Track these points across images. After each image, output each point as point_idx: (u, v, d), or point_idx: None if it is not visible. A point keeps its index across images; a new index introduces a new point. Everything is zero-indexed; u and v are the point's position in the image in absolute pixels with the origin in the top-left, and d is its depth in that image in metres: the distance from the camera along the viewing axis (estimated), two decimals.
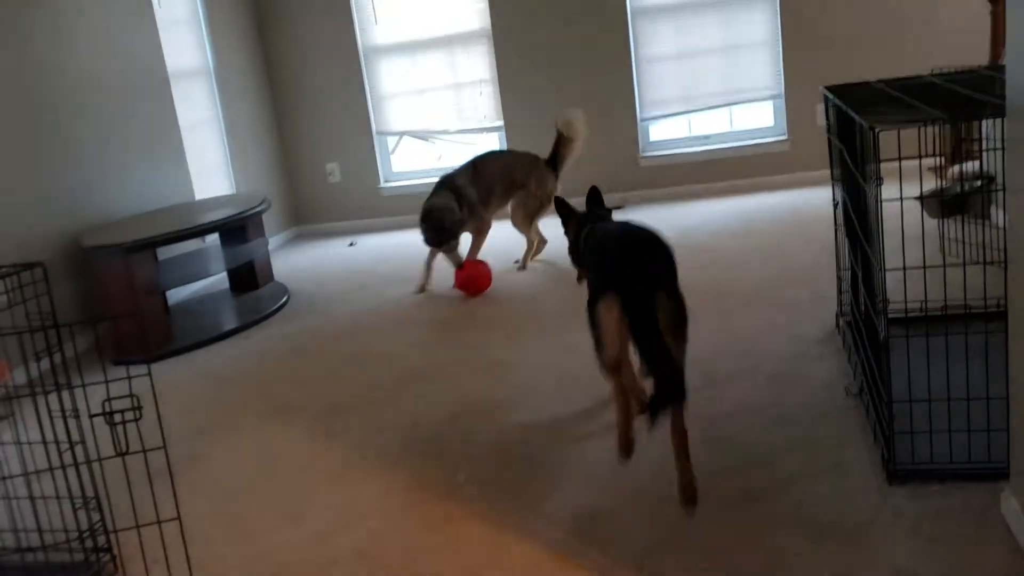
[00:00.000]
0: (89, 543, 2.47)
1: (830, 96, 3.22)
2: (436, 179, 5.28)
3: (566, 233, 3.23)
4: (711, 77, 6.61)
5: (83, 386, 2.02)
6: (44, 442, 2.34)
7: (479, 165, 5.31)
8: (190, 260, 5.23)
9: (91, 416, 1.93)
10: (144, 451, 1.89)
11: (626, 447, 2.72)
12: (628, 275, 2.55)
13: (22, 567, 2.37)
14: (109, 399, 1.85)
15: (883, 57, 6.13)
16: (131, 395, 1.86)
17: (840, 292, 3.56)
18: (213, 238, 5.64)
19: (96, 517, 2.44)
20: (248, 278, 5.51)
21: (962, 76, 3.26)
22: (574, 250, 3.22)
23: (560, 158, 5.38)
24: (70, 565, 2.43)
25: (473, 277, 4.92)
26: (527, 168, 5.32)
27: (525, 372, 3.65)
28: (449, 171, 5.31)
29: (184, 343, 4.64)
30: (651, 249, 2.67)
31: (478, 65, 6.85)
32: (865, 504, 2.35)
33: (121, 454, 1.89)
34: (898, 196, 2.41)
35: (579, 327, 4.10)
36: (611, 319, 2.48)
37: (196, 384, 4.06)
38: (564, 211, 3.28)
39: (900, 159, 2.30)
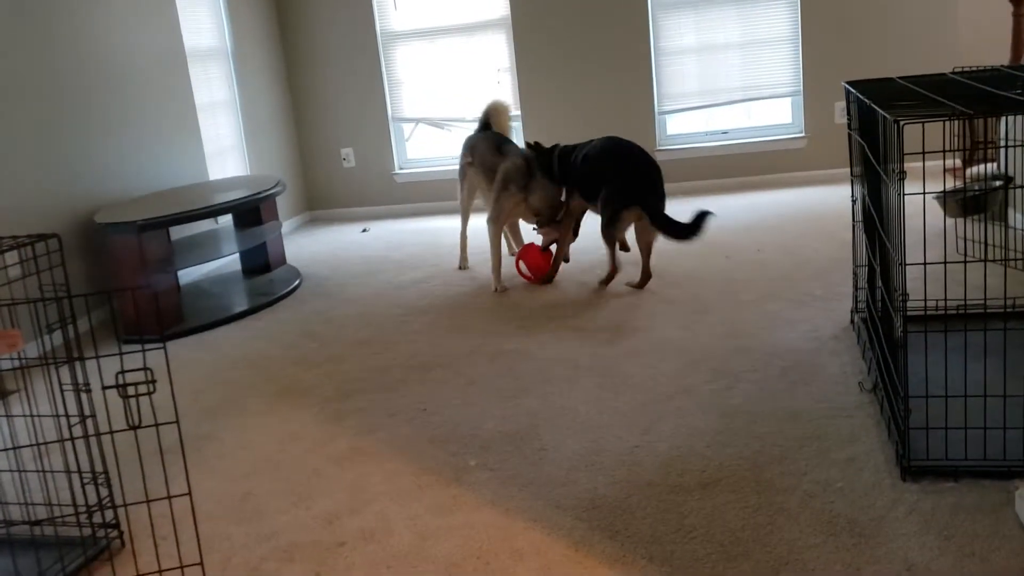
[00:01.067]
0: (97, 518, 2.47)
1: (852, 91, 3.19)
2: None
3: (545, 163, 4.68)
4: (730, 72, 6.58)
5: (97, 358, 2.01)
6: (55, 415, 2.35)
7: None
8: (203, 240, 5.23)
9: (104, 388, 1.93)
10: (156, 425, 1.89)
11: (612, 278, 4.56)
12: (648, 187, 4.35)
13: (31, 541, 2.37)
14: (123, 371, 1.85)
15: (903, 56, 6.10)
16: (145, 368, 1.85)
17: (856, 288, 3.54)
18: (226, 219, 5.64)
19: (105, 492, 2.44)
20: (260, 260, 5.51)
21: (984, 75, 3.23)
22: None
23: None
24: (78, 540, 2.43)
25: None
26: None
27: (536, 361, 3.63)
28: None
29: (195, 323, 4.64)
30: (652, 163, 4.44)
31: (497, 53, 6.83)
32: (879, 499, 2.33)
33: (134, 427, 1.88)
34: (920, 191, 2.40)
35: (590, 315, 4.11)
36: (630, 218, 4.42)
37: (206, 364, 4.06)
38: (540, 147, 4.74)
39: (924, 152, 2.27)
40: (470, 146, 5.17)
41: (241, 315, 4.77)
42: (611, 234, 4.46)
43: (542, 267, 4.82)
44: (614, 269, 4.54)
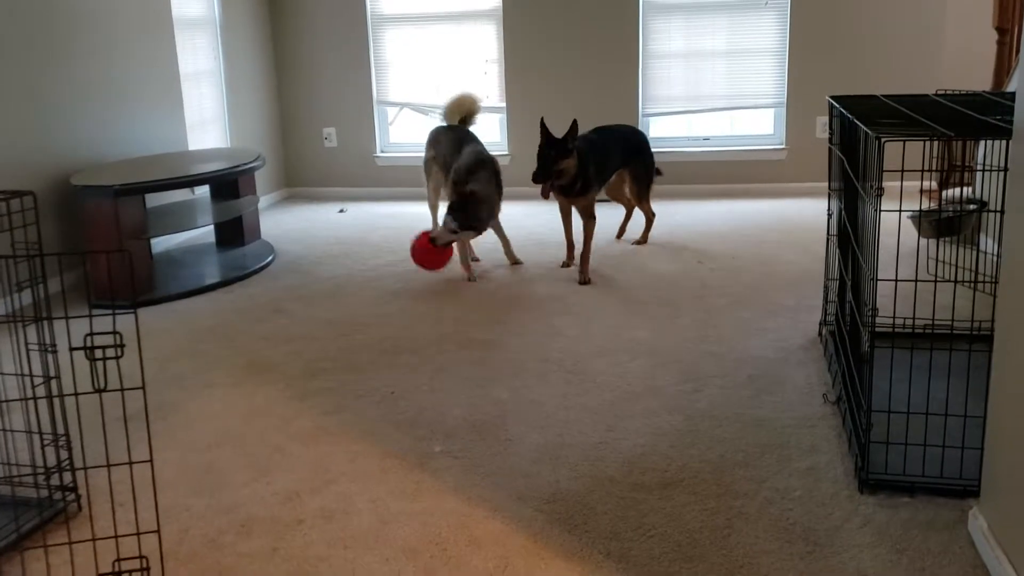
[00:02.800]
0: (55, 480, 2.45)
1: (836, 105, 3.22)
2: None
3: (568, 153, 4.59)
4: (716, 79, 6.62)
5: (66, 318, 1.99)
6: (19, 374, 2.32)
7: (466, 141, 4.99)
8: (178, 210, 5.18)
9: (71, 349, 1.91)
10: (122, 389, 1.87)
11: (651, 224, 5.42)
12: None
13: None
14: (92, 334, 1.83)
15: (888, 76, 6.16)
16: (114, 332, 1.84)
17: (826, 301, 3.58)
18: (203, 190, 5.59)
19: (64, 455, 2.42)
20: (235, 234, 5.47)
21: (966, 99, 3.28)
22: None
23: None
24: (35, 501, 2.41)
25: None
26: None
27: (506, 352, 3.64)
28: (476, 148, 4.87)
29: (165, 292, 4.60)
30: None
31: (486, 44, 6.82)
32: (835, 509, 2.37)
33: (99, 391, 1.86)
34: (896, 209, 2.43)
35: (563, 311, 4.13)
36: None
37: (174, 334, 4.03)
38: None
39: (903, 171, 2.30)
40: (434, 140, 5.13)
41: (212, 287, 4.73)
42: (649, 190, 5.31)
43: (425, 254, 4.65)
44: (653, 215, 5.36)
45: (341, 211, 6.68)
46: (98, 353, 1.85)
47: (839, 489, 2.47)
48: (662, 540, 2.27)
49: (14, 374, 2.35)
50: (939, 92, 3.63)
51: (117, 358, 1.85)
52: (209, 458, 2.82)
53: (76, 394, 1.98)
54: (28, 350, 2.31)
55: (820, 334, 3.62)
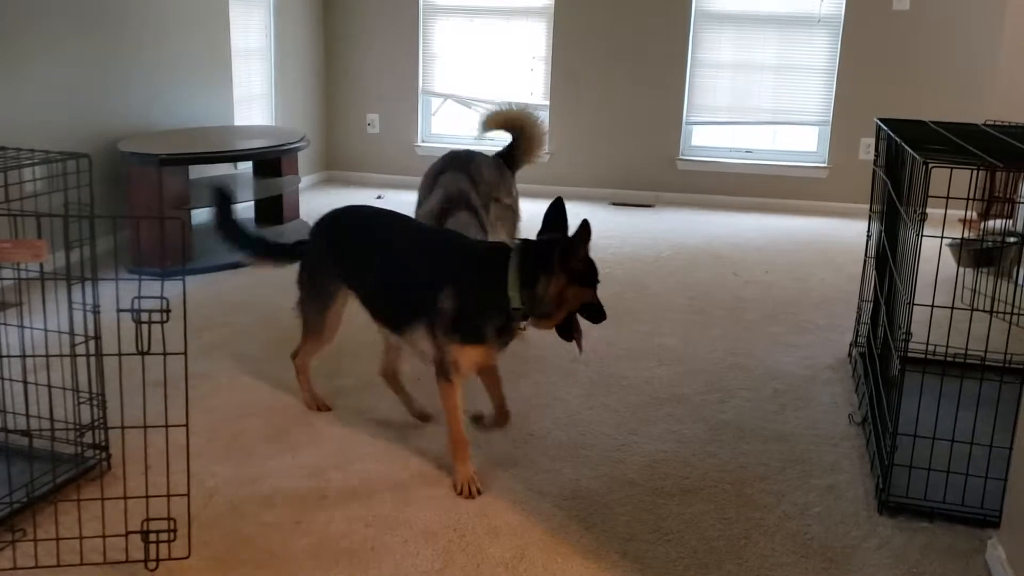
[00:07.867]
0: (88, 439, 2.51)
1: (884, 128, 3.22)
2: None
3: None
4: (763, 92, 6.61)
5: (116, 280, 2.05)
6: (60, 332, 2.38)
7: (471, 168, 3.74)
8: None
9: (119, 311, 1.96)
10: (165, 354, 1.92)
11: None
12: None
13: (26, 450, 2.41)
14: (139, 297, 1.88)
15: (937, 103, 6.10)
16: (162, 297, 1.88)
17: (858, 323, 3.57)
18: (246, 166, 5.66)
19: (99, 414, 2.47)
20: (274, 212, 5.52)
21: (1016, 131, 3.26)
22: None
23: (517, 160, 3.99)
24: (70, 456, 2.47)
25: None
26: (498, 171, 3.84)
27: (532, 349, 3.66)
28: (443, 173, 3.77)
29: (202, 264, 4.66)
30: None
31: (534, 41, 6.84)
32: (853, 529, 2.37)
33: (143, 353, 1.92)
34: (938, 235, 2.43)
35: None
36: None
37: (209, 305, 4.09)
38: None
39: (948, 197, 2.30)
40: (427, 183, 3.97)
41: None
42: None
43: None
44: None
45: (378, 197, 6.73)
46: (144, 317, 1.90)
47: (858, 509, 2.47)
48: (678, 545, 2.29)
49: (57, 331, 2.41)
50: (988, 122, 3.61)
51: (162, 323, 1.90)
52: (238, 427, 2.87)
53: (120, 354, 2.03)
54: (71, 309, 2.37)
55: (850, 355, 3.61)
